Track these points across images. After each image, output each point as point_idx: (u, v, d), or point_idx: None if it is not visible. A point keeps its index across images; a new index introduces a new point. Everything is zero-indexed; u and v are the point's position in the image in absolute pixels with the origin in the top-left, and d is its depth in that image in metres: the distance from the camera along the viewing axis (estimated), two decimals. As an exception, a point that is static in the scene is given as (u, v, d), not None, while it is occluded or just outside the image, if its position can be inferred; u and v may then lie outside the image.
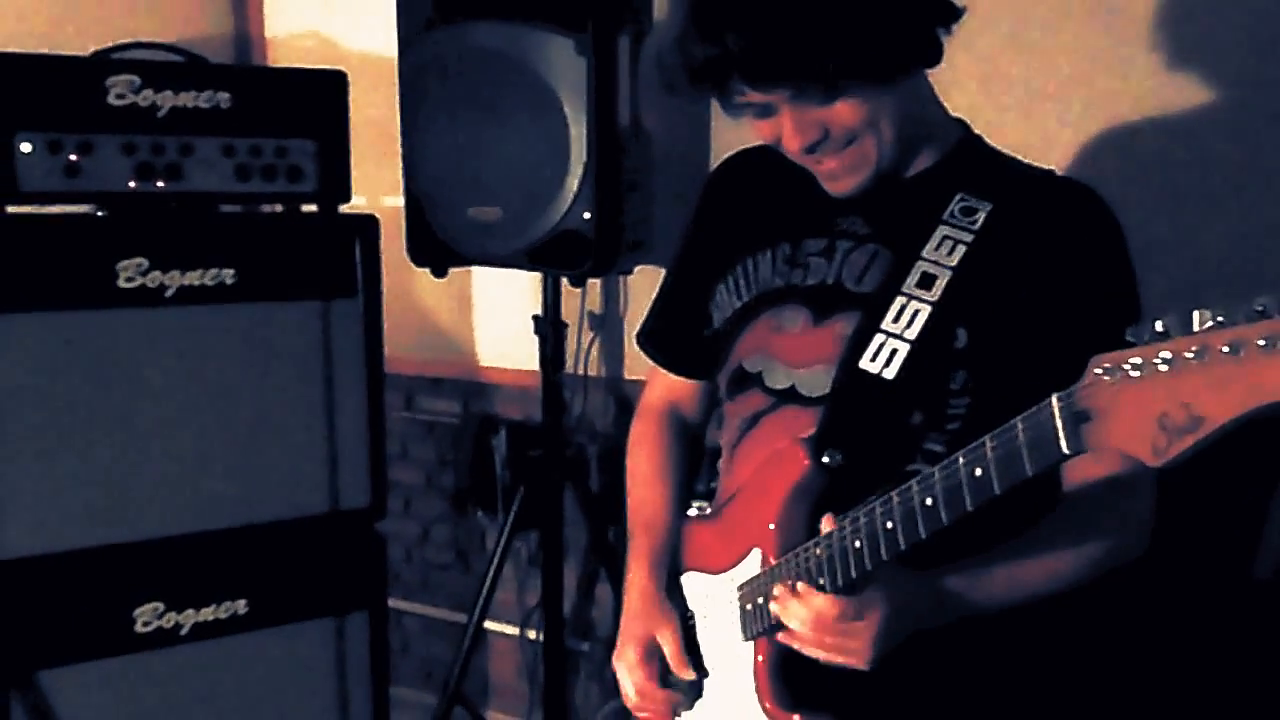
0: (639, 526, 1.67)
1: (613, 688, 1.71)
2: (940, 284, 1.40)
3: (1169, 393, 0.95)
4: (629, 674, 1.58)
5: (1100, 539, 1.41)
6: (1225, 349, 0.91)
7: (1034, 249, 1.40)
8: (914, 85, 1.43)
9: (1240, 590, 1.96)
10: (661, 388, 1.80)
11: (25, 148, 2.03)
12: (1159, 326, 0.97)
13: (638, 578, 1.61)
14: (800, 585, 1.30)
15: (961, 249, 1.41)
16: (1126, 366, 0.99)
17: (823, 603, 1.28)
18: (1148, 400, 0.97)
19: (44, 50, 2.10)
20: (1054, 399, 1.06)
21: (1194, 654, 1.98)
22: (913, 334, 1.39)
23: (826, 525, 1.31)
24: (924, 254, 1.42)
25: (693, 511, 1.68)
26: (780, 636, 1.37)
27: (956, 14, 1.41)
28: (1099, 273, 1.41)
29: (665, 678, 1.57)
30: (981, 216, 1.43)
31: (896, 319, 1.40)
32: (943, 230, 1.43)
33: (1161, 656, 2.00)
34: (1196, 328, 0.94)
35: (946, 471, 1.18)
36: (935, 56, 1.43)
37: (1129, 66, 2.21)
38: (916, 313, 1.39)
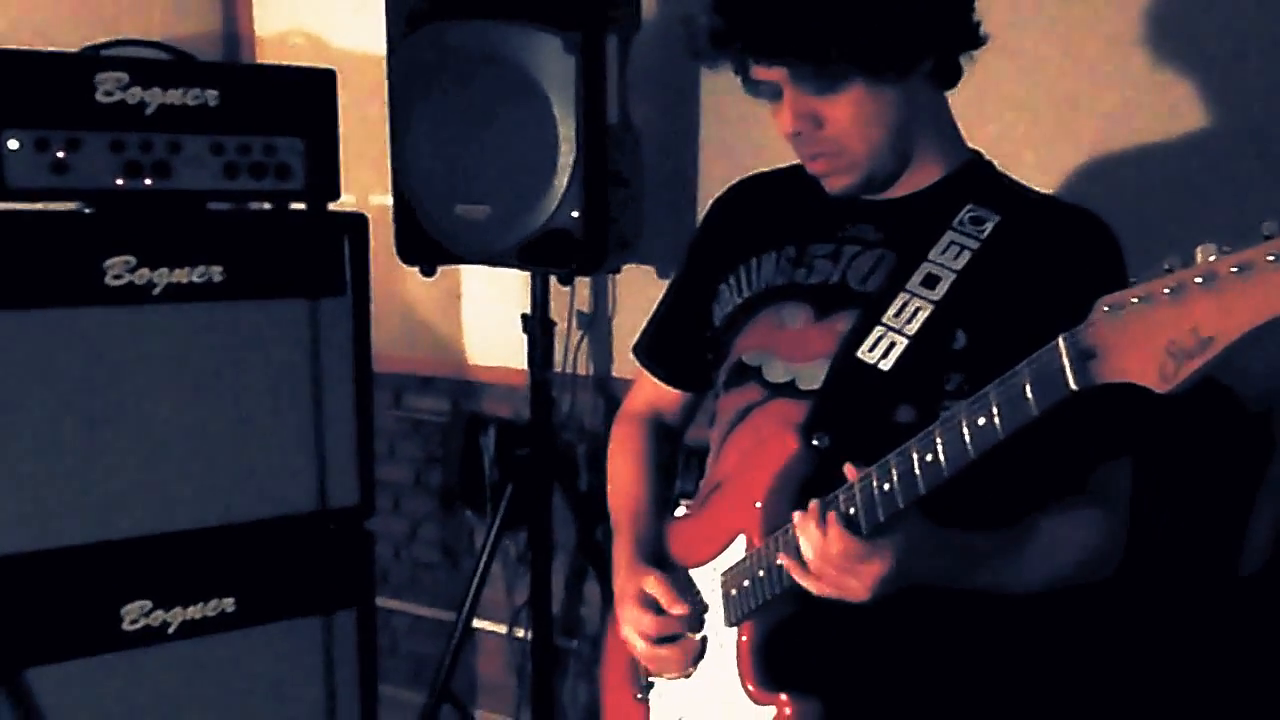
0: (623, 521, 1.69)
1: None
2: (944, 285, 1.42)
3: (1176, 319, 0.98)
4: (634, 625, 1.56)
5: (1079, 547, 1.43)
6: (1234, 269, 0.93)
7: (1038, 264, 1.42)
8: (921, 98, 1.46)
9: (1226, 586, 1.97)
10: (647, 394, 1.83)
11: (12, 145, 2.03)
12: (1165, 265, 0.99)
13: (622, 556, 1.63)
14: (829, 515, 1.30)
15: (967, 254, 1.43)
16: (1133, 301, 1.01)
17: (838, 538, 1.28)
18: (1154, 329, 1.00)
19: (32, 47, 2.09)
20: (1060, 338, 1.08)
21: (1181, 650, 1.99)
22: (912, 329, 1.41)
23: (849, 475, 1.31)
24: (930, 256, 1.44)
25: (679, 511, 1.69)
26: (780, 558, 1.36)
27: (975, 40, 1.46)
28: (1097, 295, 1.43)
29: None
30: (989, 226, 1.45)
31: (898, 314, 1.42)
32: (950, 235, 1.45)
33: (1148, 652, 2.01)
34: (1199, 261, 0.96)
35: (949, 424, 1.20)
36: (950, 78, 1.48)
37: (1124, 86, 2.22)
38: (918, 310, 1.41)
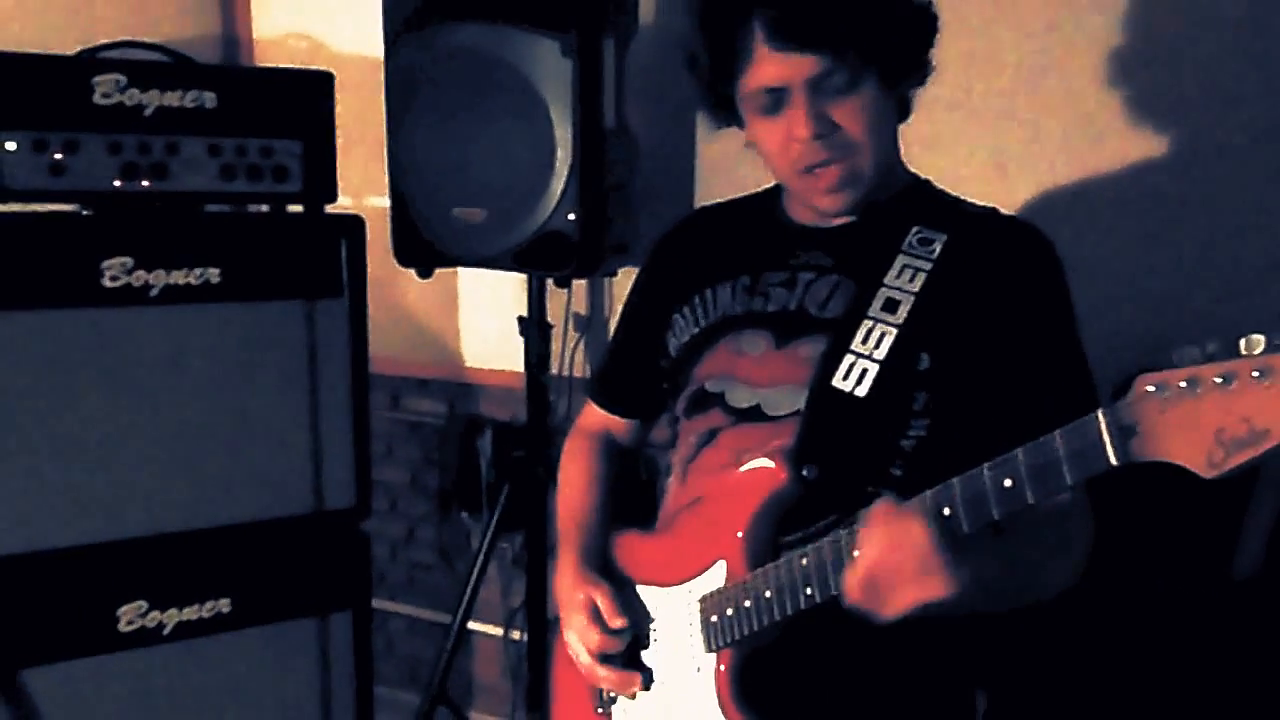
0: (569, 531, 1.71)
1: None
2: (904, 309, 1.44)
3: (1228, 408, 1.00)
4: (581, 638, 1.58)
5: (1044, 563, 1.42)
6: None
7: (986, 279, 1.46)
8: (894, 119, 1.51)
9: (1220, 590, 1.98)
10: (600, 416, 1.86)
11: (10, 146, 2.03)
12: (1210, 349, 1.01)
13: (566, 563, 1.65)
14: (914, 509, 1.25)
15: (922, 276, 1.46)
16: (1180, 384, 1.03)
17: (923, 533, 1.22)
18: (1204, 415, 1.01)
19: (29, 49, 2.09)
20: (1099, 413, 1.08)
21: (1174, 654, 1.99)
22: (881, 354, 1.43)
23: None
24: (886, 281, 1.47)
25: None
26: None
27: (924, 78, 1.53)
28: (1043, 304, 1.47)
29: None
30: (938, 247, 1.48)
31: (865, 340, 1.44)
32: (902, 259, 1.48)
33: (1142, 657, 2.01)
34: (1244, 351, 0.99)
35: (969, 482, 1.19)
36: (904, 111, 1.54)
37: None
38: (884, 335, 1.44)
